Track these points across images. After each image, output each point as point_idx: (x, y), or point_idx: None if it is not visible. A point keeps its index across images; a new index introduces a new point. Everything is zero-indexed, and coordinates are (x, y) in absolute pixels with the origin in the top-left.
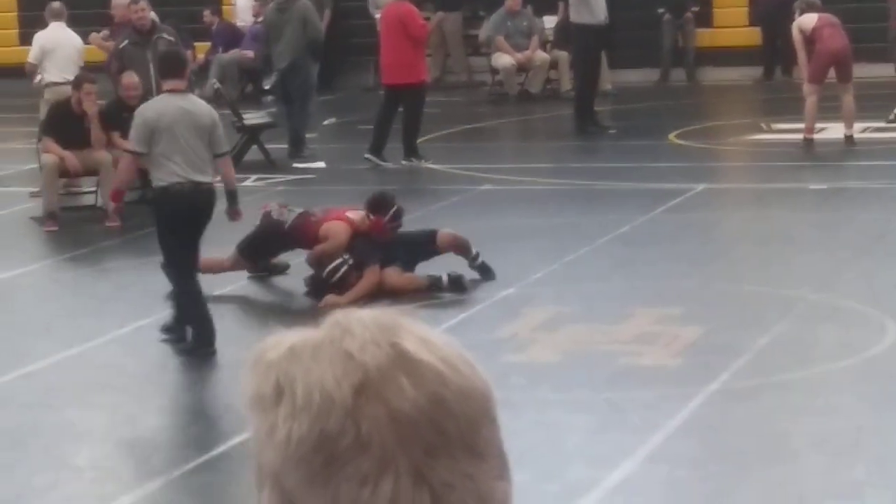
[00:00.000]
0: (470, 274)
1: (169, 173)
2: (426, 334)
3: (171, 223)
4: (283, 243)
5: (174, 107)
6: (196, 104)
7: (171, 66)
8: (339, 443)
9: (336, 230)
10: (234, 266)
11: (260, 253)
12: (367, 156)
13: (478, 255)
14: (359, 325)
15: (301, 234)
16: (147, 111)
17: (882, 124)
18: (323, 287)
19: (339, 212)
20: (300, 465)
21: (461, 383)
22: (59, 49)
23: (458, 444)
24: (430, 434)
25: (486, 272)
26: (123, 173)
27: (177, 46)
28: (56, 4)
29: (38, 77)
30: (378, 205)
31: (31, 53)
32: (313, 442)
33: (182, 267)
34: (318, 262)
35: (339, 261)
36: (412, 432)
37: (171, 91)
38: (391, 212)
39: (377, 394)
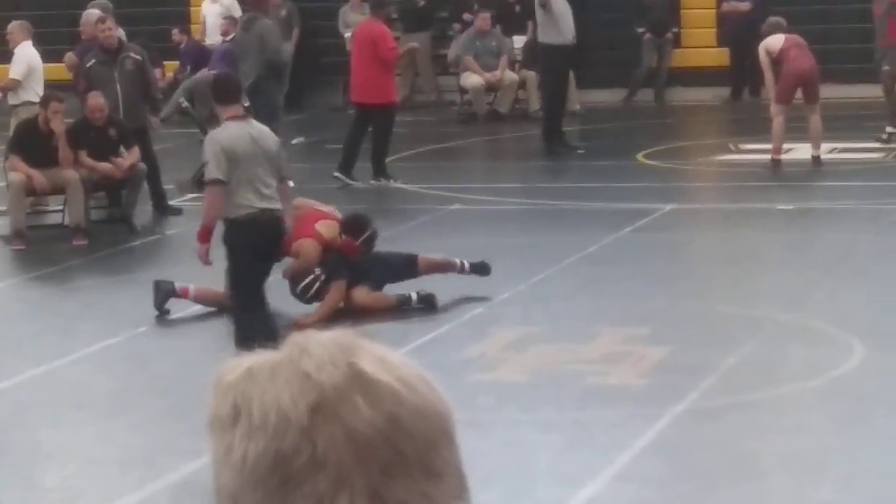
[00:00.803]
0: (449, 290)
1: (240, 204)
2: (384, 355)
3: (248, 256)
4: None
5: (244, 134)
6: (260, 129)
7: (228, 92)
8: (295, 462)
9: (306, 249)
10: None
11: None
12: (336, 174)
13: (463, 263)
14: (317, 345)
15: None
16: (221, 139)
17: (849, 145)
18: (303, 301)
19: (309, 224)
20: (257, 486)
21: (418, 403)
22: (38, 68)
23: (415, 463)
24: (386, 453)
25: (482, 269)
26: (213, 209)
27: (227, 73)
28: (26, 22)
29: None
30: (352, 227)
31: (18, 70)
32: (269, 462)
33: (256, 301)
34: (291, 279)
35: (311, 277)
36: (368, 452)
37: (233, 118)
38: (364, 236)
39: (333, 413)
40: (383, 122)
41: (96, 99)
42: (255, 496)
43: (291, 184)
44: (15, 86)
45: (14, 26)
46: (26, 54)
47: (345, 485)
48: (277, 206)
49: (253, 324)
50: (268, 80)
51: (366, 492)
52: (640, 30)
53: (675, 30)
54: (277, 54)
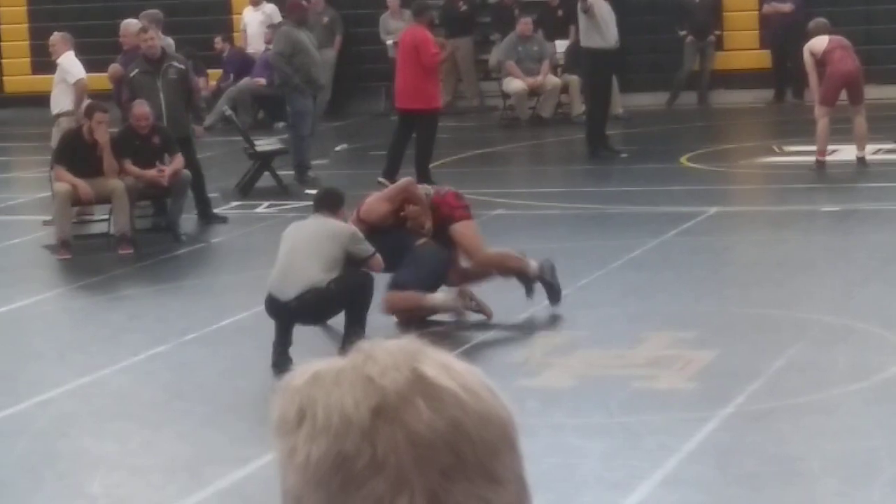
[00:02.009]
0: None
1: None
2: (448, 362)
3: None
4: None
5: None
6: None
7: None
8: (356, 464)
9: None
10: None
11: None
12: (380, 180)
13: (531, 281)
14: (382, 351)
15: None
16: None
17: (894, 146)
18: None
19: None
20: (319, 487)
21: (481, 409)
22: (82, 72)
23: (475, 468)
24: (446, 457)
25: (551, 290)
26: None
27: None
28: (67, 33)
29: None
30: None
31: (77, 72)
32: (330, 463)
33: None
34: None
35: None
36: (428, 455)
37: None
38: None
39: (394, 416)
40: (427, 128)
41: (142, 107)
42: (317, 497)
43: None
44: (85, 85)
45: (56, 38)
46: (73, 61)
47: (404, 487)
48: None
49: None
50: (286, 85)
51: (425, 494)
52: (682, 32)
53: (717, 32)
54: (276, 59)
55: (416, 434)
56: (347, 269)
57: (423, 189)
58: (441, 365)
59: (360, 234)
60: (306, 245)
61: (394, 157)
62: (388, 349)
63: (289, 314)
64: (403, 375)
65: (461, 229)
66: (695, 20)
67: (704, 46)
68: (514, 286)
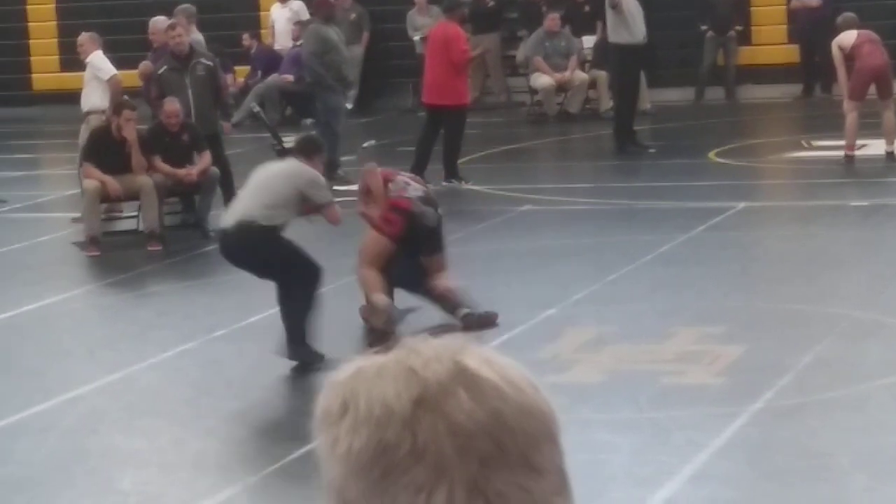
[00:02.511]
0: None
1: None
2: (490, 355)
3: None
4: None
5: None
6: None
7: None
8: (397, 453)
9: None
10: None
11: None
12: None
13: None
14: (424, 345)
15: None
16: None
17: None
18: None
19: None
20: (360, 477)
21: (522, 401)
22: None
23: (516, 458)
24: (487, 446)
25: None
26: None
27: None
28: (95, 33)
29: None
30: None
31: (107, 69)
32: (371, 452)
33: None
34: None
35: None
36: (469, 444)
37: None
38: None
39: (435, 406)
40: (455, 124)
41: (172, 104)
42: (358, 487)
43: None
44: (119, 81)
45: (84, 38)
46: (103, 59)
47: (444, 475)
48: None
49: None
50: (318, 83)
51: (465, 483)
52: (703, 27)
53: (739, 27)
54: (309, 58)
55: (457, 424)
56: (303, 257)
57: (401, 180)
58: (483, 358)
59: (322, 181)
60: (259, 181)
61: (422, 153)
62: (431, 343)
63: (223, 249)
64: (445, 367)
65: (367, 237)
66: (715, 15)
67: (725, 41)
68: (540, 282)
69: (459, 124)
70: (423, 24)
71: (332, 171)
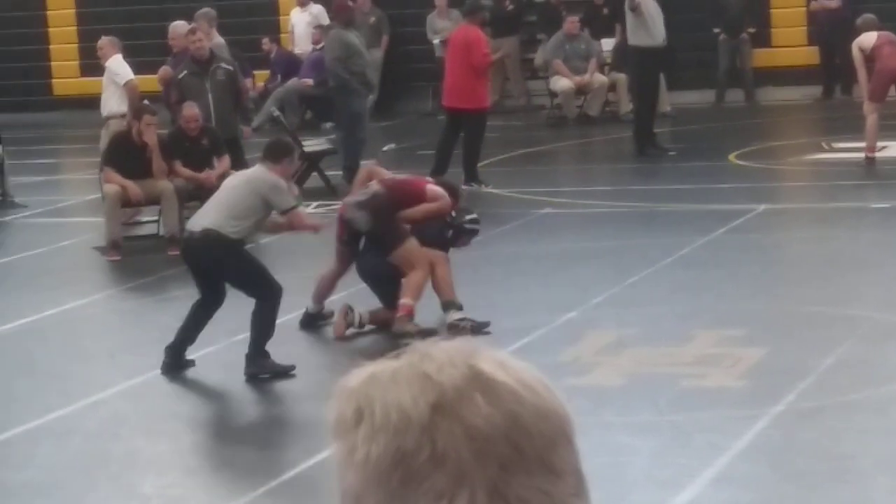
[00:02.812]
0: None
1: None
2: (504, 358)
3: None
4: (397, 222)
5: None
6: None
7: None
8: (416, 459)
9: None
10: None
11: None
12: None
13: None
14: (438, 350)
15: (406, 194)
16: None
17: None
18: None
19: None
20: (379, 485)
21: (538, 403)
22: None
23: (534, 461)
24: (505, 450)
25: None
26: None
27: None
28: (115, 38)
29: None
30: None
31: (126, 73)
32: (390, 460)
33: None
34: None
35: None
36: (487, 448)
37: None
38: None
39: (453, 411)
40: (475, 128)
41: (191, 109)
42: (377, 495)
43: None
44: (136, 86)
45: (104, 42)
46: (121, 63)
47: (464, 481)
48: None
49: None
50: (343, 88)
51: (485, 488)
52: (716, 30)
53: (751, 30)
54: (333, 63)
55: (475, 428)
56: (263, 277)
57: (373, 183)
58: (497, 361)
59: (284, 186)
60: (226, 189)
61: (442, 156)
62: (443, 348)
63: (185, 252)
64: (460, 371)
65: None
66: (727, 18)
67: (739, 44)
68: (560, 285)
69: (480, 128)
70: (443, 28)
71: (351, 176)
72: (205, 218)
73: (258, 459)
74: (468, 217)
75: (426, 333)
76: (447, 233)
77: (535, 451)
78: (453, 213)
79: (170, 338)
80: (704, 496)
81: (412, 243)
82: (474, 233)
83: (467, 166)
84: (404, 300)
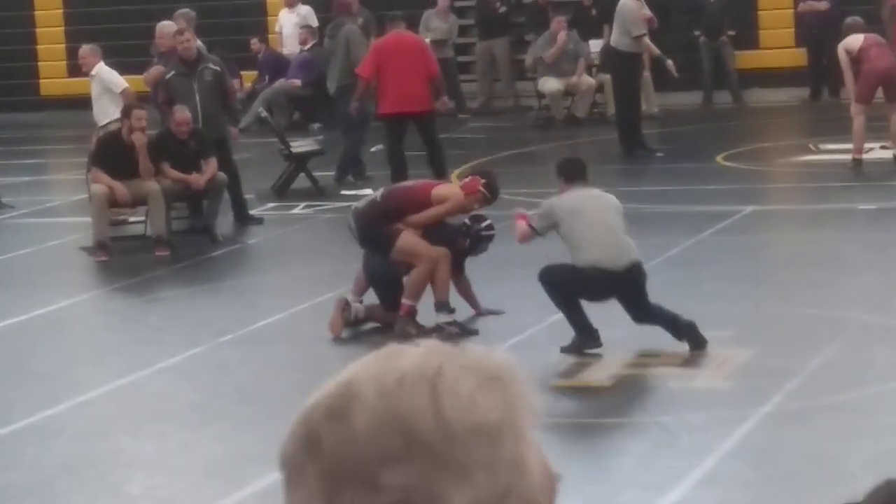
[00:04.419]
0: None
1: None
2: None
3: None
4: (385, 224)
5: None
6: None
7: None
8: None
9: (453, 191)
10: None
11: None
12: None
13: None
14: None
15: (405, 200)
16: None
17: None
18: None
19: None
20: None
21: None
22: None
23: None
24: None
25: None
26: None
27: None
28: (96, 46)
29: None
30: (483, 172)
31: (119, 82)
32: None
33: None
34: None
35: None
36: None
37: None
38: (489, 182)
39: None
40: (433, 127)
41: (183, 112)
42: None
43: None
44: (132, 93)
45: (85, 50)
46: (108, 71)
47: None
48: None
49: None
50: (353, 86)
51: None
52: (696, 33)
53: (731, 32)
54: (360, 60)
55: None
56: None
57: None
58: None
59: None
60: (610, 214)
61: (399, 165)
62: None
63: (629, 283)
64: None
65: None
66: (707, 20)
67: (719, 46)
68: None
69: (435, 126)
70: (437, 28)
71: (342, 176)
72: (632, 251)
73: (245, 460)
74: (483, 224)
75: (428, 333)
76: (464, 241)
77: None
78: (468, 222)
79: (157, 338)
80: (692, 497)
81: (406, 238)
82: (490, 239)
83: (443, 170)
84: (405, 300)
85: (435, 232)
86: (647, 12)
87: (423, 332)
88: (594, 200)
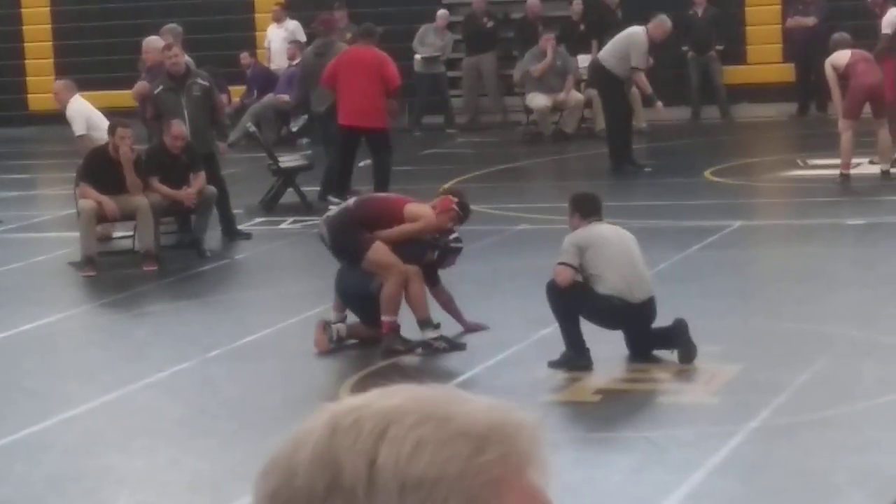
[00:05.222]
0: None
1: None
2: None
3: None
4: (359, 232)
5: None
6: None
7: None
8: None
9: (426, 211)
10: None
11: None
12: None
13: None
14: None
15: (378, 211)
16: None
17: None
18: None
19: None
20: None
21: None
22: (94, 115)
23: None
24: None
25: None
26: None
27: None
28: (69, 81)
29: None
30: (455, 191)
31: (79, 127)
32: None
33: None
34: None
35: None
36: None
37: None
38: (461, 202)
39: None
40: (385, 146)
41: (178, 127)
42: None
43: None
44: (87, 142)
45: (59, 86)
46: (77, 110)
47: None
48: None
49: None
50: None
51: None
52: (684, 48)
53: (719, 47)
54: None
55: None
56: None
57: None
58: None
59: None
60: (631, 246)
61: (346, 175)
62: (358, 425)
63: (642, 316)
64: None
65: None
66: (694, 35)
67: (707, 61)
68: (535, 301)
69: (388, 146)
70: (432, 44)
71: (347, 189)
72: (650, 285)
73: (232, 476)
74: (451, 237)
75: (414, 348)
76: (433, 254)
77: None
78: (436, 235)
79: (144, 353)
80: None
81: (378, 248)
82: (458, 251)
83: (385, 184)
84: (384, 317)
85: (404, 247)
86: (660, 104)
87: (411, 347)
88: (614, 233)
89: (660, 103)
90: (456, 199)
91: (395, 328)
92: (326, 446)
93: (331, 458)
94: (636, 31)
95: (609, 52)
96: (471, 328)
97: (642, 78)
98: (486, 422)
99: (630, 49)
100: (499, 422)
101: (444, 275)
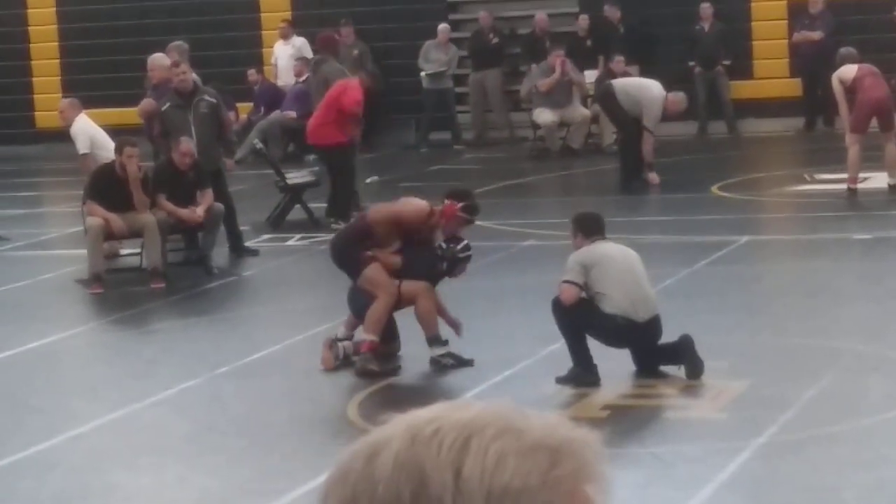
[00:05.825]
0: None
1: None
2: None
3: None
4: (358, 248)
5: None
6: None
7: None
8: None
9: (421, 203)
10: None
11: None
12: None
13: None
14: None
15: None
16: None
17: None
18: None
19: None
20: None
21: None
22: (98, 133)
23: None
24: None
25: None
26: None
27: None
28: (75, 99)
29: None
30: (457, 193)
31: (83, 146)
32: None
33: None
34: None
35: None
36: None
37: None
38: (467, 203)
39: None
40: (345, 164)
41: (187, 144)
42: None
43: None
44: (89, 161)
45: (64, 104)
46: (81, 128)
47: None
48: None
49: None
50: None
51: None
52: (691, 63)
53: (726, 62)
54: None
55: None
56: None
57: None
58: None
59: None
60: (637, 265)
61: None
62: (440, 439)
63: (648, 335)
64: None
65: None
66: (701, 51)
67: (714, 76)
68: (543, 317)
69: (346, 162)
70: (436, 59)
71: (357, 203)
72: (655, 304)
73: (240, 493)
74: (460, 245)
75: (389, 373)
76: (441, 265)
77: None
78: (444, 245)
79: (152, 370)
80: None
81: (373, 269)
82: (468, 260)
83: (335, 207)
84: (364, 335)
85: (413, 260)
86: (655, 176)
87: (386, 369)
88: (619, 252)
89: (654, 174)
90: (461, 204)
91: (374, 348)
92: (409, 455)
93: (414, 467)
94: (656, 96)
95: (623, 90)
96: (451, 322)
97: (650, 144)
98: (557, 436)
99: (643, 105)
100: (568, 436)
101: (453, 291)
